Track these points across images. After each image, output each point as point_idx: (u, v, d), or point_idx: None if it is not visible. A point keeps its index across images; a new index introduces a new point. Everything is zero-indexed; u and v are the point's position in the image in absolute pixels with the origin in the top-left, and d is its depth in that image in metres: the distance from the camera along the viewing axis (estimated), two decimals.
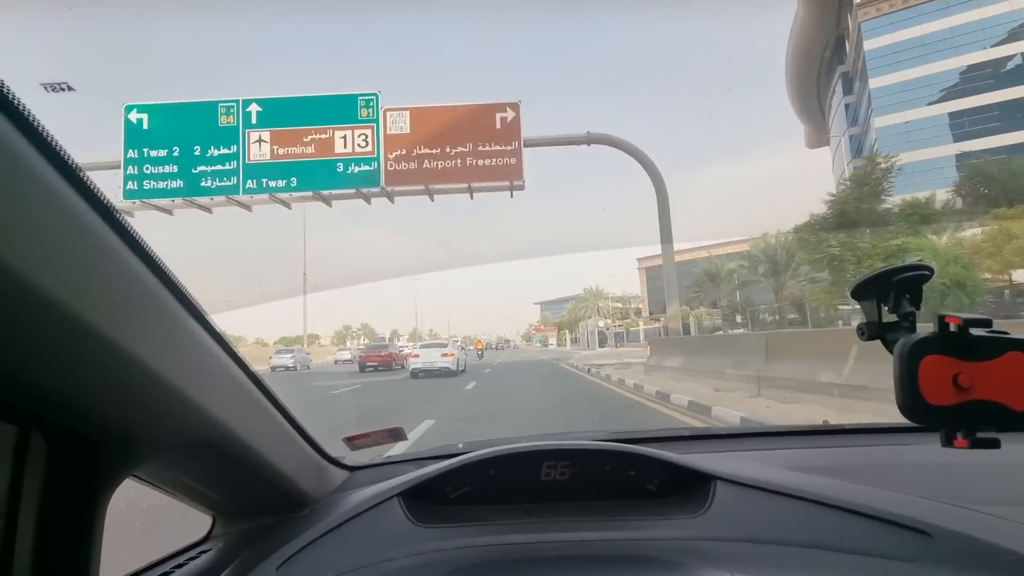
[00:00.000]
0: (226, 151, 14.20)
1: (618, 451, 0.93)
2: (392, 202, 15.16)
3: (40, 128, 0.37)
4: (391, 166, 14.19)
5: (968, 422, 0.54)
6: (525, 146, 14.29)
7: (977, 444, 0.53)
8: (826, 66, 44.96)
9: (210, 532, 0.88)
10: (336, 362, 33.72)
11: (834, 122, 45.94)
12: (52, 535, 0.51)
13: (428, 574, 0.74)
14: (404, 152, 14.27)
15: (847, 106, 43.72)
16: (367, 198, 14.84)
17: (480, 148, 14.20)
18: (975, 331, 0.55)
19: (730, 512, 0.83)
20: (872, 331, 0.63)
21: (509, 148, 14.20)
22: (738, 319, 30.12)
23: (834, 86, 45.22)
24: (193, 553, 0.82)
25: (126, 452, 0.52)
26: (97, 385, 0.45)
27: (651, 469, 0.92)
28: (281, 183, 14.21)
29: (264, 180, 14.18)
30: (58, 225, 0.38)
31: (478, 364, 23.03)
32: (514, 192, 14.66)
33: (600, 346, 40.13)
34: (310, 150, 14.24)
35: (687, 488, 0.89)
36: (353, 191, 14.61)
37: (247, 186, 14.18)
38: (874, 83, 39.03)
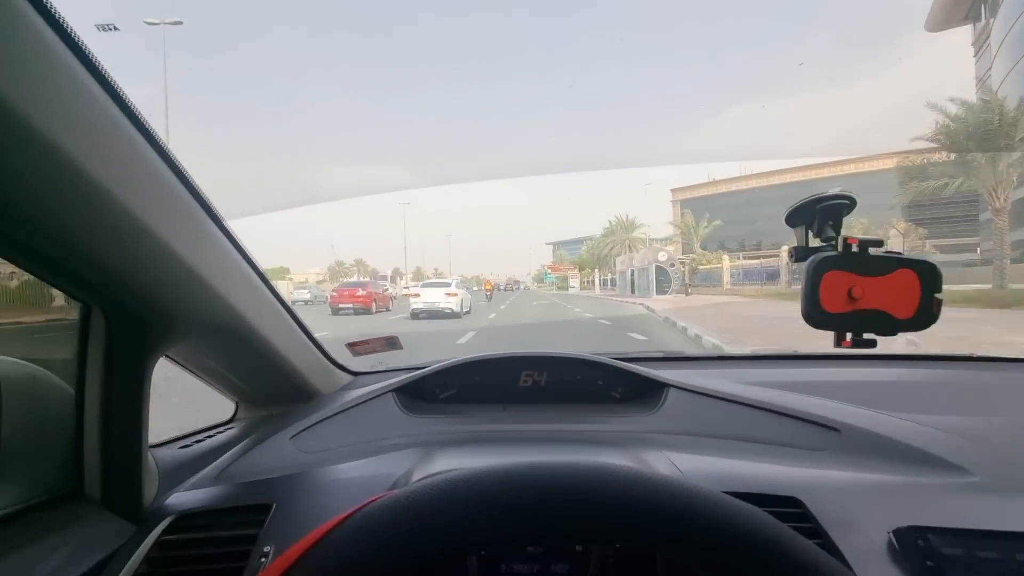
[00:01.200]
0: None
1: (588, 360, 1.06)
2: None
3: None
4: None
5: (857, 327, 0.65)
6: None
7: (857, 344, 0.64)
8: None
9: (234, 415, 1.04)
10: (292, 303, 27.08)
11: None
12: (111, 395, 0.65)
13: (417, 451, 0.90)
14: None
15: None
16: None
17: None
18: (873, 251, 0.64)
19: (677, 412, 0.96)
20: (800, 254, 0.72)
21: None
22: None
23: None
24: (220, 429, 0.98)
25: (164, 329, 0.66)
26: (144, 269, 0.58)
27: (616, 379, 1.05)
28: None
29: None
30: (123, 151, 0.50)
31: (485, 306, 19.52)
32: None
33: (659, 291, 22.81)
34: None
35: (645, 394, 1.03)
36: None
37: None
38: None
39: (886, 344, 0.75)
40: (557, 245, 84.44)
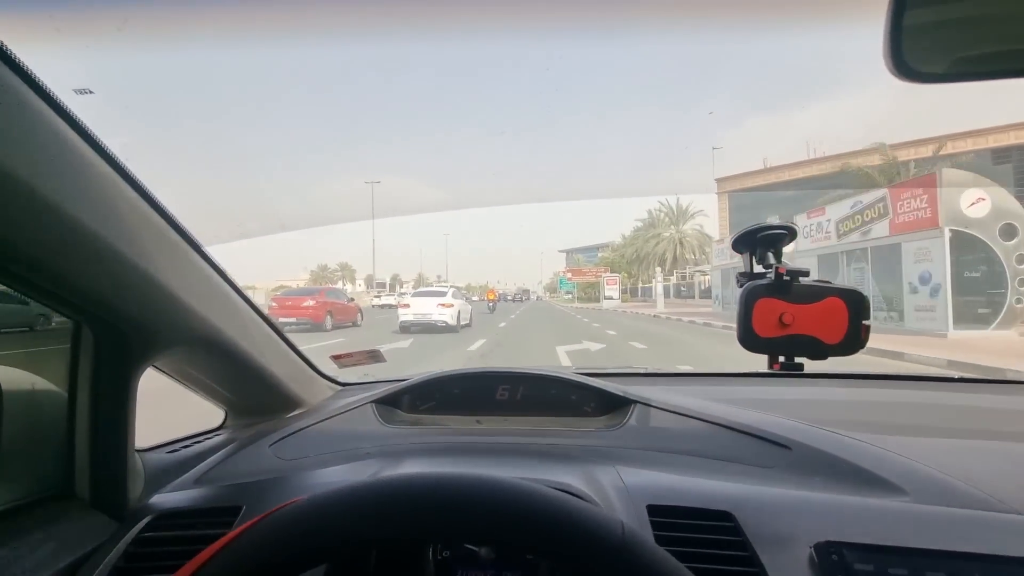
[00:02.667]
0: None
1: (560, 378, 1.11)
2: None
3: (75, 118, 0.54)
4: None
5: (788, 351, 0.69)
6: None
7: (786, 367, 0.68)
8: None
9: (223, 423, 1.10)
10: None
11: None
12: (100, 402, 0.72)
13: (387, 459, 0.95)
14: None
15: None
16: None
17: None
18: (803, 280, 0.68)
19: (641, 427, 1.00)
20: (744, 279, 0.77)
21: None
22: None
23: None
24: (208, 435, 1.04)
25: (147, 344, 0.72)
26: (125, 292, 0.65)
27: (587, 395, 1.10)
28: None
29: None
30: (95, 185, 0.56)
31: (488, 319, 17.38)
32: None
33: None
34: None
35: (615, 410, 1.07)
36: None
37: None
38: None
39: (849, 364, 0.78)
40: (571, 252, 76.73)
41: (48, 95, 0.50)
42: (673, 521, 0.67)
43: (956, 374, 1.17)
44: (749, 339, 0.69)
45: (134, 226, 0.62)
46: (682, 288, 34.44)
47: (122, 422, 0.73)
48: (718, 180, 37.01)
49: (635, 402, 1.03)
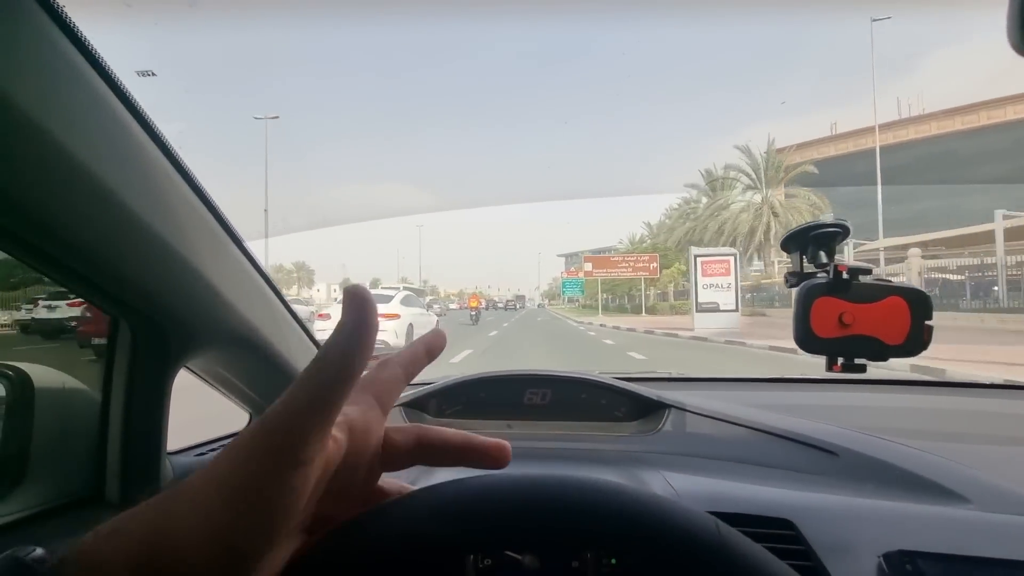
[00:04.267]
0: None
1: (591, 382, 1.08)
2: None
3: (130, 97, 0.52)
4: None
5: (848, 352, 0.66)
6: None
7: (848, 369, 0.66)
8: None
9: (248, 425, 1.07)
10: None
11: None
12: (134, 404, 0.69)
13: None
14: None
15: None
16: None
17: None
18: (863, 278, 0.66)
19: (677, 433, 0.98)
20: (794, 280, 0.75)
21: None
22: None
23: None
24: (233, 439, 1.02)
25: (185, 342, 0.70)
26: (169, 286, 0.62)
27: (619, 399, 1.07)
28: None
29: None
30: (153, 179, 0.55)
31: (467, 333, 14.37)
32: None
33: None
34: None
35: (648, 414, 1.04)
36: None
37: None
38: None
39: (889, 369, 0.76)
40: (570, 257, 70.21)
41: (110, 76, 0.48)
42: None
43: (999, 380, 1.15)
44: (807, 339, 0.67)
45: (183, 217, 0.60)
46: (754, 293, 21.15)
47: (156, 424, 0.71)
48: (778, 152, 28.58)
49: (670, 406, 1.01)
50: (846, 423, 0.95)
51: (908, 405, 1.11)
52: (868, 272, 0.66)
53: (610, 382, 1.06)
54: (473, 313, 21.54)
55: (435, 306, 33.64)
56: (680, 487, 0.74)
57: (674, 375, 1.35)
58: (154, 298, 0.63)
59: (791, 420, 0.95)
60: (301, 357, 0.96)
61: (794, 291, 0.68)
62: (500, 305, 51.91)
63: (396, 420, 1.04)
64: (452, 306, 37.82)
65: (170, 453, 0.84)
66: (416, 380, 1.33)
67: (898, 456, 0.83)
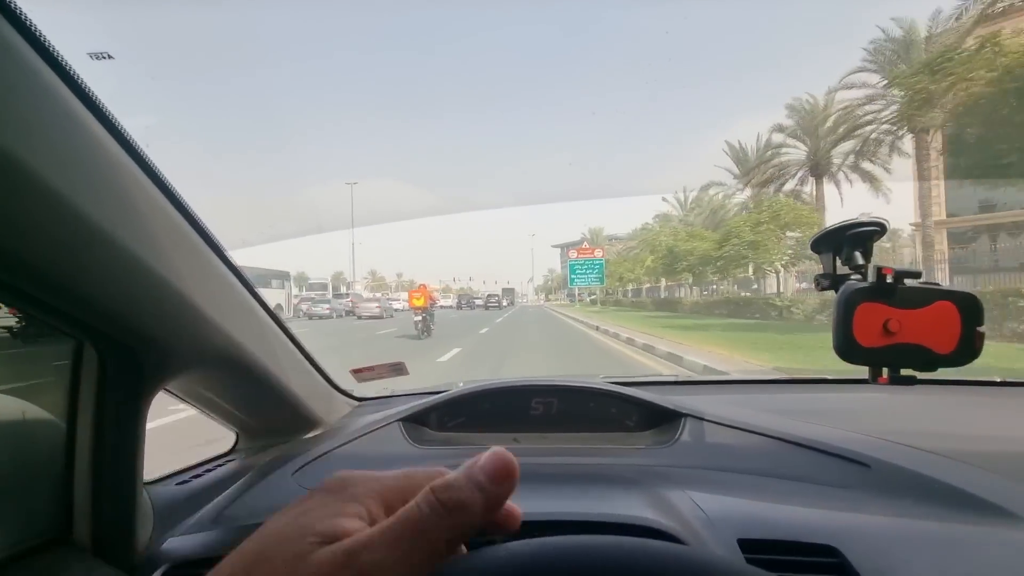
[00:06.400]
0: None
1: (600, 390, 1.02)
2: None
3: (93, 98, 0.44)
4: None
5: (893, 362, 0.61)
6: None
7: (896, 381, 0.60)
8: None
9: (235, 446, 1.00)
10: None
11: None
12: (105, 434, 0.62)
13: None
14: None
15: None
16: None
17: None
18: (909, 282, 0.61)
19: (695, 444, 0.92)
20: (827, 282, 0.69)
21: None
22: None
23: None
24: (220, 461, 0.94)
25: (160, 365, 0.62)
26: (138, 303, 0.55)
27: (629, 408, 1.01)
28: None
29: None
30: (113, 179, 0.47)
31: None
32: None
33: None
34: None
35: (661, 424, 0.98)
36: None
37: None
38: None
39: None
40: (566, 248, 63.74)
41: (56, 60, 0.41)
42: (772, 558, 0.59)
43: None
44: (848, 349, 0.61)
45: (153, 224, 0.53)
46: None
47: (129, 455, 0.63)
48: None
49: (685, 415, 0.95)
50: (872, 428, 0.90)
51: (940, 404, 1.06)
52: (918, 275, 0.61)
53: (618, 390, 1.00)
54: (419, 317, 12.38)
55: (323, 305, 25.55)
56: (709, 509, 0.68)
57: (681, 378, 1.29)
58: (122, 319, 0.55)
59: (816, 428, 0.90)
60: (289, 369, 0.89)
61: (836, 296, 0.62)
62: (478, 302, 40.09)
63: (395, 436, 0.97)
64: (397, 305, 29.41)
65: (148, 483, 0.77)
66: (415, 390, 1.24)
67: (935, 468, 0.78)
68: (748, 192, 27.27)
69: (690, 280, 25.39)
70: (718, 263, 19.26)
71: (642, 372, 6.34)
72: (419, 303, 12.34)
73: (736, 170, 28.25)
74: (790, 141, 23.12)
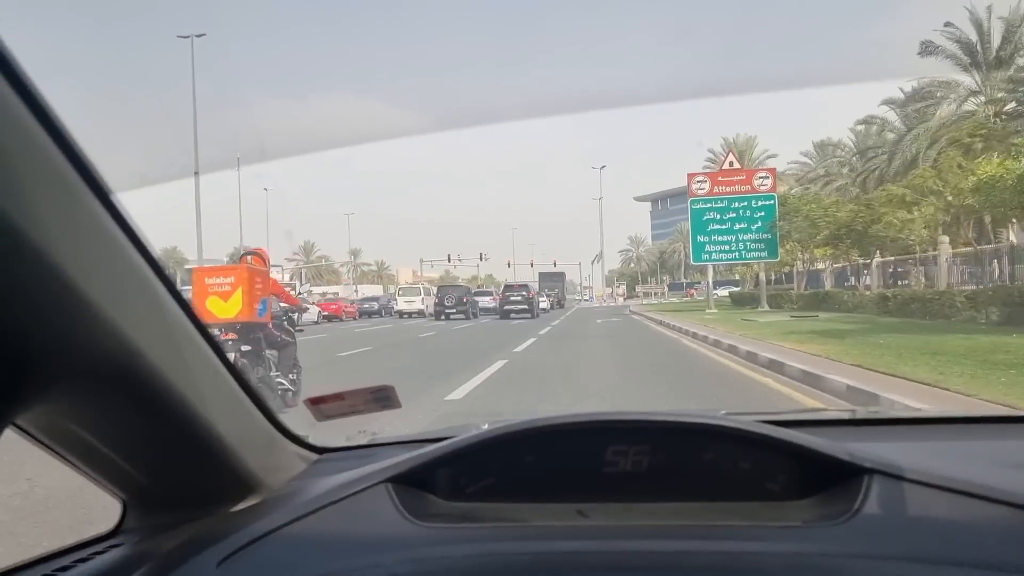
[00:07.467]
0: None
1: (725, 429, 0.65)
2: None
3: None
4: None
5: None
6: None
7: None
8: None
9: (120, 523, 0.67)
10: None
11: None
12: None
13: None
14: None
15: None
16: None
17: None
18: None
19: (891, 520, 0.58)
20: None
21: None
22: None
23: None
24: (98, 548, 0.63)
25: (11, 384, 0.40)
26: None
27: (773, 460, 0.64)
28: None
29: None
30: None
31: None
32: None
33: None
34: None
35: (829, 487, 0.63)
36: None
37: None
38: None
39: None
40: (656, 199, 40.74)
41: None
42: None
43: None
44: None
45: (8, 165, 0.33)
46: None
47: None
48: None
49: (871, 471, 0.60)
50: None
51: None
52: None
53: (755, 430, 0.63)
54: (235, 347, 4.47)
55: None
56: None
57: (858, 415, 0.93)
58: None
59: None
60: (214, 400, 0.58)
61: None
62: (485, 303, 24.75)
63: (382, 508, 0.60)
64: (363, 304, 23.20)
65: None
66: (409, 436, 0.82)
67: None
68: (982, 98, 18.37)
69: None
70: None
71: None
72: (226, 313, 4.51)
73: (964, 58, 19.58)
74: None
